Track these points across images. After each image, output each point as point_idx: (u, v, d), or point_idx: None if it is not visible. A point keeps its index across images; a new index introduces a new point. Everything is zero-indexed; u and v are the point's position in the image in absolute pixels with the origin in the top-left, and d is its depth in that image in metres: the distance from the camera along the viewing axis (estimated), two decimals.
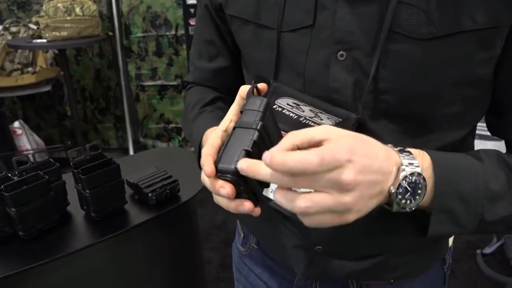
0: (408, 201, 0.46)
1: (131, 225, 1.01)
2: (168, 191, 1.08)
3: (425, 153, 0.51)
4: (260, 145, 0.47)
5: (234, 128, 0.48)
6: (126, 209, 1.06)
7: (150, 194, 1.06)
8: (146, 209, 1.07)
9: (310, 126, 0.54)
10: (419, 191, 0.47)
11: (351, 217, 0.43)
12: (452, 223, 0.51)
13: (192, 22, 2.89)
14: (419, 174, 0.46)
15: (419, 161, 0.47)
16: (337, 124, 0.53)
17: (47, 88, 2.89)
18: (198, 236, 1.28)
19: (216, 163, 0.46)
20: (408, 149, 0.49)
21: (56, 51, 2.99)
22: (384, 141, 0.48)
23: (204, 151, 0.49)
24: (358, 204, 0.41)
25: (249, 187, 0.47)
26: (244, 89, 0.54)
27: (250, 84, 0.54)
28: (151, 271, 1.10)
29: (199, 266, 1.30)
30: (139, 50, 3.25)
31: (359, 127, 0.54)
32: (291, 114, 0.57)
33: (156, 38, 3.20)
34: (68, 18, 2.61)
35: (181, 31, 3.13)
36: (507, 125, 0.57)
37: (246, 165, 0.43)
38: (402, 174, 0.45)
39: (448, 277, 0.77)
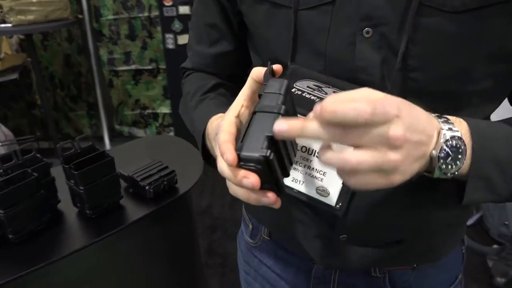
0: (450, 166, 0.45)
1: (129, 221, 0.95)
2: (165, 183, 1.02)
3: (461, 119, 0.49)
4: None
5: (254, 112, 0.44)
6: (122, 204, 1.00)
7: (147, 187, 1.00)
8: (143, 203, 1.01)
9: None
10: (459, 156, 0.45)
11: (397, 179, 0.40)
12: (488, 190, 0.49)
13: (166, 3, 2.77)
14: (460, 138, 0.45)
15: (458, 127, 0.46)
16: None
17: (14, 76, 2.71)
18: (195, 227, 1.23)
19: (237, 151, 0.42)
20: (444, 115, 0.48)
21: (22, 36, 2.81)
22: None
23: (223, 138, 0.45)
24: (404, 163, 0.39)
25: (273, 177, 0.43)
26: (257, 71, 0.50)
27: (262, 66, 0.50)
28: (150, 267, 1.05)
29: (197, 258, 1.26)
30: (110, 33, 3.10)
31: None
32: (312, 97, 0.53)
33: (129, 20, 3.06)
34: (34, 0, 2.44)
35: (155, 13, 3.00)
36: None
37: (287, 126, 0.40)
38: (443, 138, 0.44)
39: (465, 256, 0.76)
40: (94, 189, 0.92)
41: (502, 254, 2.06)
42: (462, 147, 0.45)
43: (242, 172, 0.42)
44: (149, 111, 3.28)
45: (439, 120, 0.46)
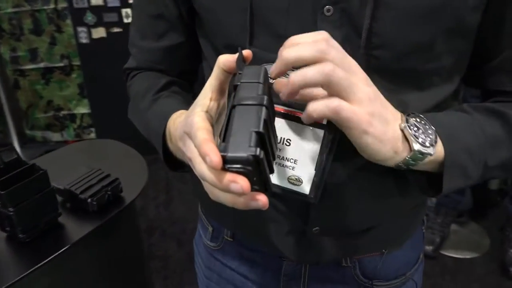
0: (423, 138, 0.47)
1: (71, 241, 0.84)
2: (110, 193, 0.92)
3: (419, 115, 0.50)
4: (268, 124, 0.39)
5: (234, 106, 0.39)
6: (61, 222, 0.88)
7: (89, 200, 0.89)
8: (85, 218, 0.90)
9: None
10: (429, 132, 0.48)
11: (373, 126, 0.44)
12: (463, 177, 0.51)
13: None
14: (422, 118, 0.48)
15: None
16: None
17: None
18: (141, 234, 1.14)
19: (221, 152, 0.37)
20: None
21: None
22: None
23: (202, 136, 0.40)
24: (371, 105, 0.43)
25: (262, 176, 0.39)
26: (224, 59, 0.47)
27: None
28: (100, 284, 0.94)
29: (146, 265, 1.17)
30: (11, 28, 2.77)
31: None
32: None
33: (32, 13, 2.75)
34: None
35: (62, 5, 2.74)
36: (488, 72, 0.58)
37: (298, 77, 0.42)
38: (407, 117, 0.48)
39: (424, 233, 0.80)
40: (26, 209, 0.80)
41: (428, 223, 2.22)
42: (428, 124, 0.48)
43: (229, 176, 0.37)
44: (65, 112, 3.02)
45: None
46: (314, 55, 0.41)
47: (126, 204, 0.95)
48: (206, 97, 0.47)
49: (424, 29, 0.50)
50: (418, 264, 0.74)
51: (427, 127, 0.48)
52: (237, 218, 0.70)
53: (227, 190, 0.38)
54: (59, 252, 0.81)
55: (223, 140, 0.38)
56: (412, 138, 0.47)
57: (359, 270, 0.68)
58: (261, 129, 0.37)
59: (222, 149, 0.37)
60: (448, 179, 0.50)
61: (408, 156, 0.47)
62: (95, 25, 2.63)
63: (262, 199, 0.39)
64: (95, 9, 2.59)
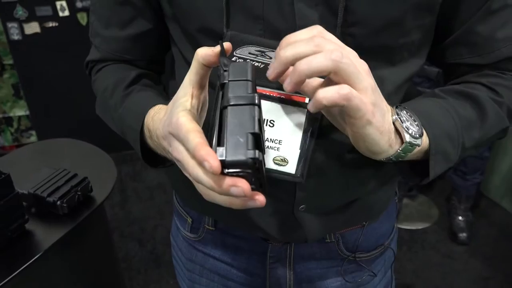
0: (412, 128, 0.48)
1: (43, 248, 0.78)
2: (79, 193, 0.86)
3: (404, 107, 0.52)
4: (260, 123, 0.39)
5: (225, 107, 0.39)
6: (29, 228, 0.81)
7: (59, 202, 0.82)
8: (55, 222, 0.84)
9: None
10: (416, 123, 0.49)
11: (376, 117, 0.44)
12: (446, 161, 0.53)
13: None
14: (407, 110, 0.49)
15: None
16: None
17: None
18: (110, 233, 1.08)
19: (220, 157, 0.36)
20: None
21: None
22: None
23: (196, 140, 0.38)
24: (375, 97, 0.44)
25: (259, 176, 0.39)
26: (204, 53, 0.44)
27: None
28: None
29: (118, 265, 1.12)
30: None
31: None
32: (257, 64, 0.52)
33: None
34: None
35: None
36: (449, 46, 0.61)
37: (304, 65, 0.42)
38: (395, 109, 0.49)
39: (397, 204, 0.84)
40: None
41: None
42: (413, 115, 0.49)
43: (228, 180, 0.37)
44: None
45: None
46: (313, 50, 0.41)
47: (98, 204, 0.89)
48: (187, 94, 0.45)
49: (396, 5, 0.51)
50: (394, 233, 0.78)
51: (413, 118, 0.49)
52: (220, 205, 0.69)
53: (227, 194, 0.38)
54: (32, 260, 0.75)
55: (219, 144, 0.37)
56: (403, 130, 0.48)
57: (343, 245, 0.70)
58: (256, 130, 0.36)
59: (220, 153, 0.36)
60: (434, 166, 0.52)
61: (400, 149, 0.48)
62: (27, 20, 2.44)
63: (260, 199, 0.39)
64: (26, 3, 2.40)
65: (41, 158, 1.05)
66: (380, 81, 0.52)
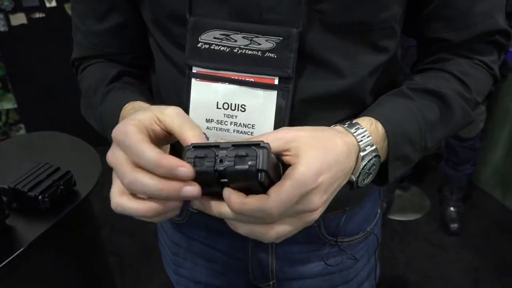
0: (366, 180, 0.50)
1: (24, 244, 0.75)
2: (62, 187, 0.84)
3: (376, 122, 0.51)
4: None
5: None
6: (10, 224, 0.78)
7: (40, 197, 0.80)
8: (37, 217, 0.81)
9: (247, 55, 0.51)
10: (374, 167, 0.50)
11: (317, 217, 0.45)
12: (406, 164, 0.54)
13: None
14: (376, 156, 0.49)
15: (374, 138, 0.49)
16: (279, 44, 0.50)
17: None
18: (100, 230, 1.06)
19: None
20: (362, 124, 0.50)
21: None
22: (327, 56, 0.51)
23: (153, 151, 0.39)
24: (322, 209, 0.44)
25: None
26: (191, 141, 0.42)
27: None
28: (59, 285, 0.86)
29: (106, 262, 1.09)
30: None
31: (301, 44, 0.51)
32: (222, 48, 0.52)
33: None
34: None
35: None
36: (423, 20, 0.59)
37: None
38: (362, 164, 0.48)
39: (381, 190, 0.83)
40: None
41: None
42: (377, 162, 0.49)
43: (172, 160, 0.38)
44: None
45: (355, 135, 0.48)
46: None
47: (82, 198, 0.87)
48: (152, 120, 0.42)
49: None
50: (377, 219, 0.77)
51: (375, 165, 0.50)
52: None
53: (172, 175, 0.38)
54: (13, 256, 0.72)
55: None
56: (355, 185, 0.49)
57: (324, 229, 0.69)
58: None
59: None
60: (393, 170, 0.53)
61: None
62: (14, 11, 2.39)
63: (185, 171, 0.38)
64: None
65: (24, 152, 1.02)
66: (353, 64, 0.52)
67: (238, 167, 0.36)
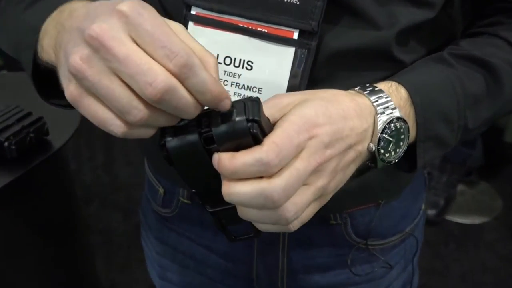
0: (393, 152, 0.49)
1: None
2: (32, 135, 0.91)
3: (398, 85, 0.51)
4: None
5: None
6: None
7: (6, 143, 0.87)
8: (1, 166, 0.89)
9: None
10: (402, 136, 0.49)
11: (330, 195, 0.46)
12: (439, 146, 0.55)
13: None
14: (399, 118, 0.48)
15: (394, 100, 0.49)
16: None
17: None
18: (75, 190, 1.14)
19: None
20: (378, 86, 0.50)
21: None
22: (360, 2, 0.50)
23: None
24: (334, 180, 0.44)
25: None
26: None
27: None
28: (21, 247, 0.94)
29: (79, 229, 1.18)
30: None
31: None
32: None
33: None
34: None
35: None
36: None
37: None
38: (380, 126, 0.47)
39: (427, 179, 0.83)
40: None
41: (431, 183, 2.29)
42: (404, 127, 0.49)
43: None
44: None
45: (371, 98, 0.48)
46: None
47: (55, 150, 0.94)
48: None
49: None
50: (420, 217, 0.76)
51: (402, 131, 0.49)
52: None
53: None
54: None
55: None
56: (378, 159, 0.49)
57: (351, 228, 0.68)
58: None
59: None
60: (422, 154, 0.53)
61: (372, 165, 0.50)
62: None
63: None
64: None
65: None
66: (390, 15, 0.52)
67: (225, 124, 0.38)
